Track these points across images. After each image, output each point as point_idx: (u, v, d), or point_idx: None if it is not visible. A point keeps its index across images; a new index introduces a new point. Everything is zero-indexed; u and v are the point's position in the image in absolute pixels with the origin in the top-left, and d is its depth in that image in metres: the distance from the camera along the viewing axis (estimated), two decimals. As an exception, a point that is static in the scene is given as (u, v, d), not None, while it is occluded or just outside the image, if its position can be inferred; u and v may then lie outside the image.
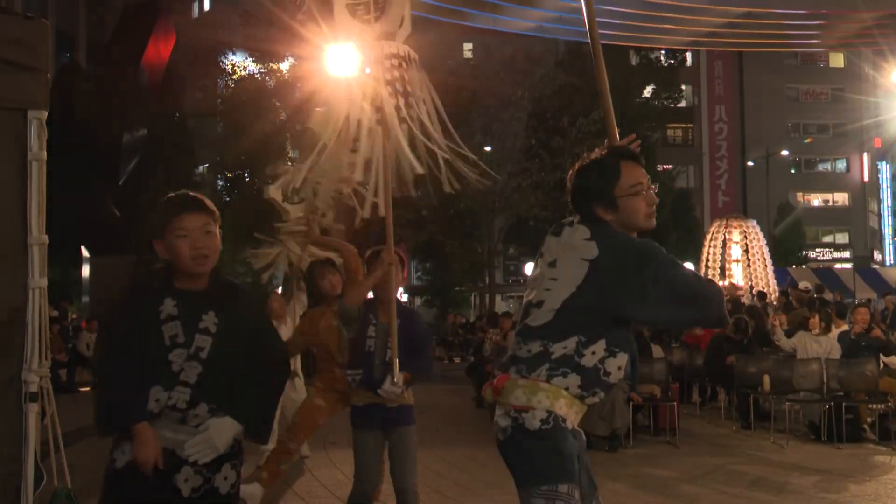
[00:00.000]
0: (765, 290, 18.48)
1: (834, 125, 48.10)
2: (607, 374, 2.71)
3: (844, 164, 49.90)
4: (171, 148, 23.12)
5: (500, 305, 35.04)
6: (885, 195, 48.88)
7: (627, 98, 30.08)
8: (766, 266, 19.95)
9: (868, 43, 29.40)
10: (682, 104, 44.64)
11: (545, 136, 27.26)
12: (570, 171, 2.92)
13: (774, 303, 16.66)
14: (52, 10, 26.06)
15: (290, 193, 5.28)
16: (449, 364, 21.71)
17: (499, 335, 12.64)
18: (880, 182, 49.24)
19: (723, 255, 20.38)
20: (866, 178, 48.99)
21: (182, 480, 2.80)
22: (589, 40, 3.44)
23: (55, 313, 16.28)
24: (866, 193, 49.18)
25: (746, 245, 20.24)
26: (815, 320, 10.19)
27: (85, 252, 21.24)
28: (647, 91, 36.06)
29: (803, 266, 35.89)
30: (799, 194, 48.29)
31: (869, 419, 9.40)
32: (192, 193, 2.98)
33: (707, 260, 20.52)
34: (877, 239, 49.29)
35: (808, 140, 47.61)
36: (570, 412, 2.69)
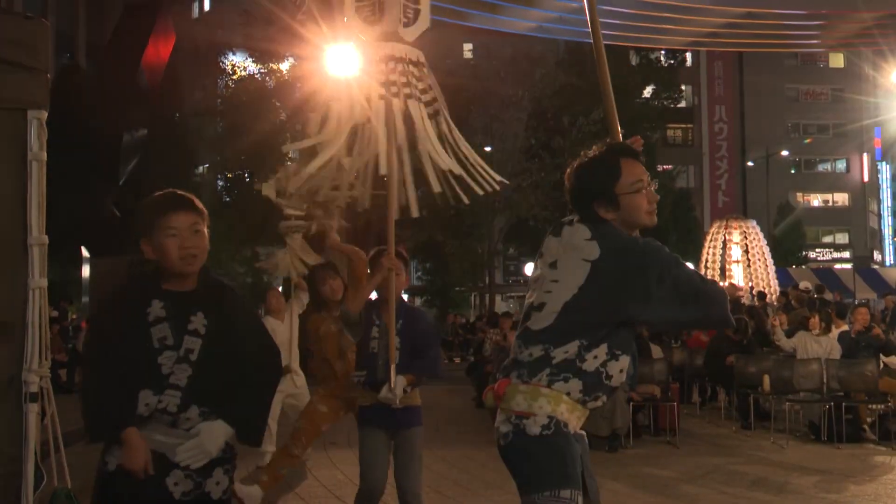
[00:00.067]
0: (765, 291, 18.47)
1: (834, 125, 48.10)
2: (609, 377, 2.68)
3: (844, 165, 49.91)
4: (171, 148, 23.11)
5: (500, 305, 35.06)
6: (885, 195, 48.91)
7: (627, 98, 30.07)
8: (766, 267, 19.94)
9: (868, 43, 29.38)
10: (682, 104, 44.65)
11: (545, 136, 27.27)
12: (569, 170, 2.87)
13: (775, 303, 16.65)
14: (52, 10, 26.04)
15: (285, 194, 5.29)
16: (449, 364, 21.70)
17: (499, 335, 12.64)
18: (880, 182, 49.27)
19: (723, 255, 20.38)
20: (866, 179, 49.01)
21: (172, 484, 2.75)
22: (591, 41, 3.40)
23: (55, 313, 16.29)
24: (866, 194, 49.19)
25: (747, 245, 20.24)
26: (815, 320, 10.20)
27: (85, 252, 21.24)
28: (647, 91, 36.06)
29: (803, 266, 35.90)
30: (799, 194, 48.30)
31: (869, 419, 9.40)
32: (179, 192, 2.91)
33: (706, 261, 20.52)
34: (877, 239, 49.31)
35: (807, 140, 47.62)
36: (571, 417, 2.66)
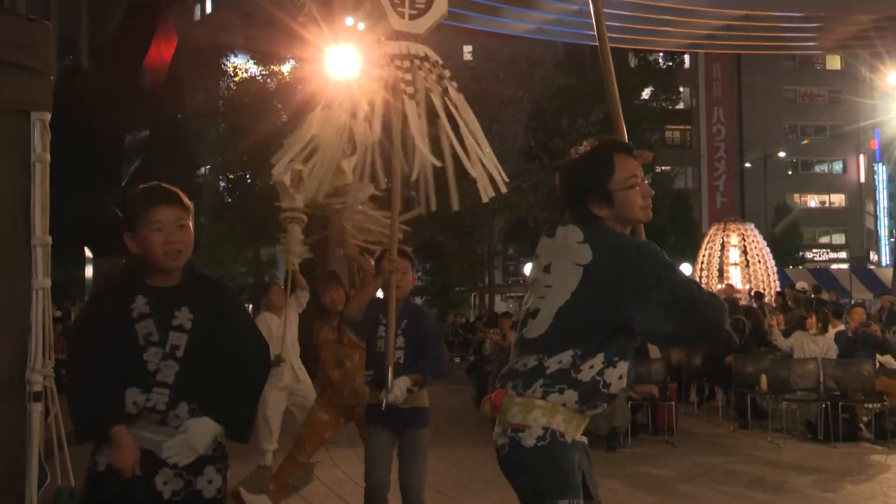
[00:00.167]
0: (765, 292, 18.47)
1: (831, 127, 48.13)
2: (607, 385, 2.60)
3: (841, 166, 49.94)
4: (173, 149, 23.10)
5: (500, 305, 35.09)
6: (882, 196, 48.99)
7: (626, 100, 30.00)
8: (767, 268, 19.93)
9: (865, 45, 29.39)
10: (681, 106, 44.63)
11: (544, 137, 27.29)
12: (561, 167, 2.78)
13: (774, 304, 16.66)
14: (55, 11, 26.05)
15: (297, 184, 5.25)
16: (449, 363, 21.70)
17: (498, 335, 12.65)
18: (876, 183, 49.32)
19: (721, 258, 20.40)
20: (863, 180, 49.04)
21: (161, 483, 2.69)
22: (598, 43, 3.33)
23: (58, 313, 16.28)
24: (863, 195, 49.21)
25: (745, 248, 20.25)
26: (812, 320, 10.20)
27: (88, 253, 21.25)
28: (646, 93, 36.05)
29: (800, 267, 35.94)
30: (796, 195, 48.35)
31: (865, 418, 9.40)
32: (165, 185, 2.83)
33: (703, 262, 20.53)
34: (873, 240, 49.36)
35: (805, 142, 47.64)
36: (569, 427, 2.60)
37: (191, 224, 2.80)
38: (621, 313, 2.57)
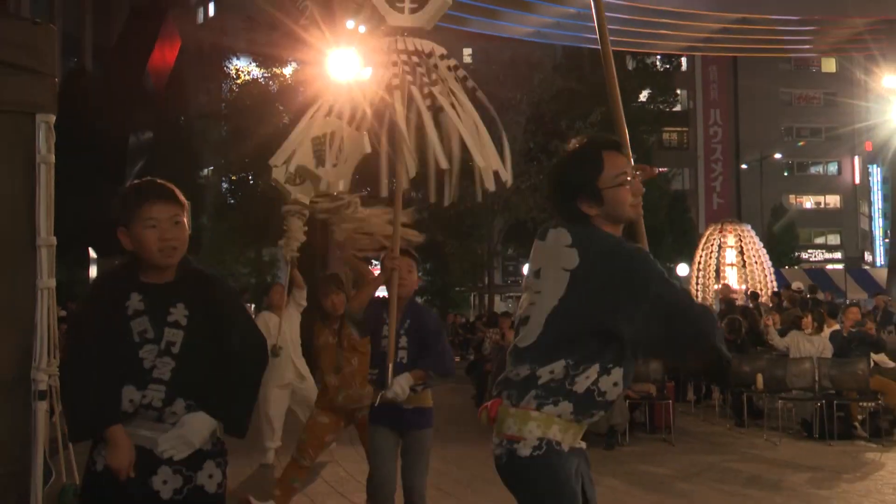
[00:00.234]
0: (761, 292, 18.47)
1: (826, 129, 48.15)
2: (602, 393, 2.51)
3: (836, 168, 49.96)
4: (176, 150, 23.12)
5: (500, 305, 35.11)
6: (876, 197, 48.98)
7: (624, 102, 29.87)
8: (764, 269, 19.93)
9: (860, 48, 29.39)
10: (678, 108, 44.67)
11: (543, 139, 27.28)
12: (550, 166, 2.70)
13: (770, 304, 16.67)
14: (59, 14, 26.06)
15: (293, 178, 5.23)
16: (452, 361, 21.70)
17: (497, 334, 12.65)
18: (871, 185, 49.33)
19: (717, 258, 20.40)
20: (858, 181, 49.06)
21: (160, 482, 2.64)
22: (599, 46, 3.25)
23: (63, 313, 16.28)
24: (857, 196, 49.24)
25: (741, 248, 20.25)
26: (807, 320, 10.21)
27: (92, 253, 21.28)
28: (644, 95, 36.10)
29: (796, 267, 35.95)
30: (792, 197, 48.36)
31: (860, 417, 9.40)
32: (160, 181, 2.76)
33: (700, 263, 20.53)
34: (867, 240, 49.37)
35: (801, 143, 47.66)
36: (565, 436, 2.52)
37: (186, 220, 2.74)
38: (609, 321, 2.47)
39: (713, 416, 10.90)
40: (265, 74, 27.16)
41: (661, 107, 37.58)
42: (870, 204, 49.56)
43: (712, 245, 20.54)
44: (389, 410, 4.33)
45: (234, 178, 28.74)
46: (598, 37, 3.21)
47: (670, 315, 2.46)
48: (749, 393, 9.84)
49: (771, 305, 16.06)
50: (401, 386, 4.24)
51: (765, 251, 20.50)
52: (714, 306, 18.39)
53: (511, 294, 40.24)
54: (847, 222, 48.91)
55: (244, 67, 27.89)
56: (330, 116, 4.58)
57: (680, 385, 11.70)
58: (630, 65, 36.33)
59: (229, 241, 28.64)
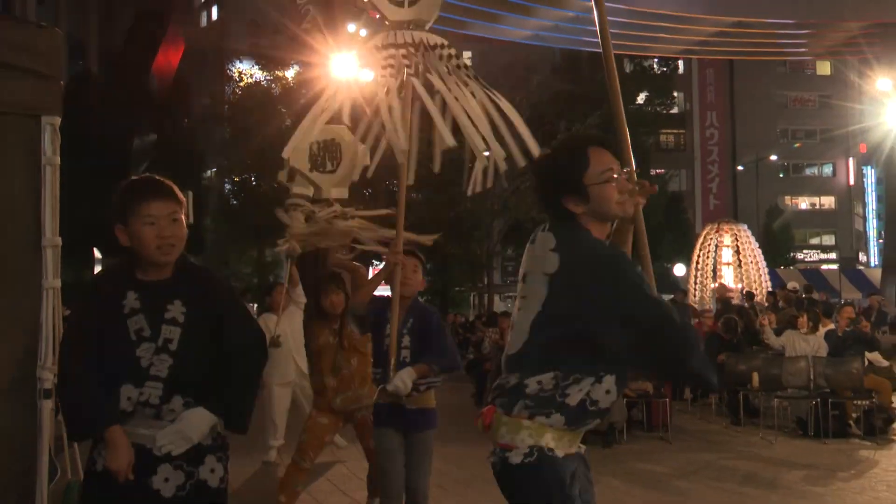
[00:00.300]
0: (756, 291, 18.49)
1: (821, 131, 48.15)
2: (595, 402, 2.43)
3: (831, 169, 49.95)
4: (179, 152, 23.12)
5: (499, 305, 35.05)
6: (870, 199, 49.02)
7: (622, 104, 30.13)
8: (759, 268, 19.96)
9: (854, 52, 29.39)
10: (675, 110, 44.68)
11: (542, 141, 27.22)
12: (535, 162, 2.61)
13: (766, 303, 16.67)
14: (64, 18, 26.07)
15: (293, 177, 5.20)
16: (455, 355, 21.64)
17: (497, 334, 12.65)
18: (865, 186, 49.35)
19: (714, 257, 20.43)
20: (852, 182, 49.06)
21: (162, 480, 2.59)
22: (601, 49, 3.14)
23: (67, 313, 16.30)
24: (852, 197, 49.24)
25: (738, 248, 20.27)
26: (803, 320, 10.21)
27: (97, 254, 21.26)
28: (641, 98, 36.10)
29: (791, 267, 35.97)
30: (787, 198, 48.35)
31: (854, 415, 9.40)
32: (158, 178, 2.71)
33: (698, 262, 20.55)
34: (862, 241, 49.40)
35: (796, 145, 47.65)
36: (560, 443, 2.45)
37: (183, 217, 2.69)
38: (586, 332, 2.38)
39: (710, 414, 10.89)
40: (267, 77, 27.21)
41: (658, 109, 37.59)
42: (864, 205, 49.59)
43: (709, 245, 20.56)
44: (393, 411, 4.31)
45: (236, 179, 28.78)
46: (599, 40, 3.11)
47: (643, 337, 2.35)
48: (745, 391, 9.84)
49: (767, 305, 16.06)
50: (402, 380, 4.19)
51: (759, 252, 20.52)
52: (711, 305, 18.41)
53: (510, 294, 40.18)
54: (841, 223, 48.91)
55: (247, 70, 27.93)
56: (331, 123, 4.57)
57: (677, 384, 11.68)
58: (628, 67, 36.35)
59: (232, 242, 28.66)
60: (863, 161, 48.76)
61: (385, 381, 4.28)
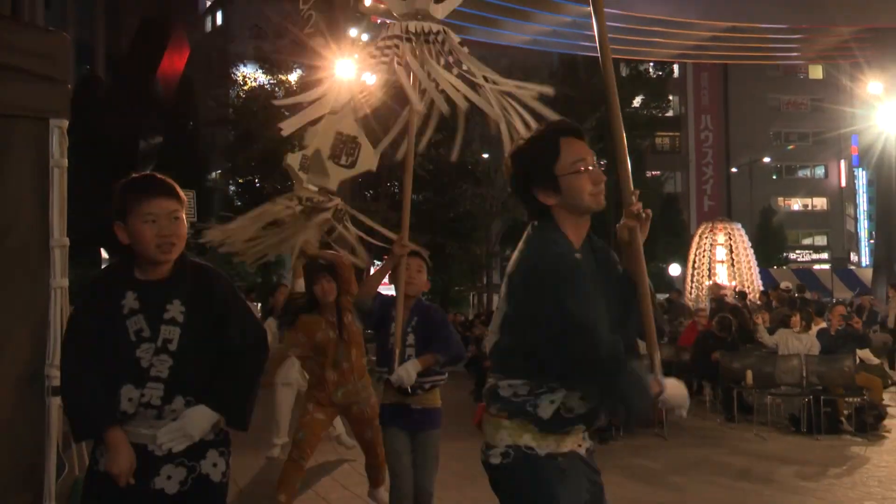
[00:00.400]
0: (747, 290, 18.51)
1: (813, 133, 48.18)
2: (570, 409, 2.33)
3: (823, 171, 49.98)
4: (184, 155, 23.12)
5: (498, 304, 35.11)
6: (862, 200, 48.98)
7: (618, 107, 30.13)
8: (751, 267, 19.99)
9: (846, 56, 29.38)
10: (670, 113, 44.63)
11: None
12: (509, 154, 2.46)
13: (759, 302, 16.67)
14: (72, 23, 26.07)
15: (304, 164, 5.17)
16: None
17: (496, 333, 12.63)
18: (857, 188, 49.32)
19: (709, 256, 20.45)
20: (844, 184, 49.06)
21: (165, 479, 2.56)
22: (599, 55, 2.98)
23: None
24: (844, 198, 49.25)
25: (731, 246, 20.30)
26: (796, 319, 10.21)
27: (105, 254, 21.25)
28: (637, 101, 36.09)
29: (784, 267, 35.97)
30: (780, 199, 48.36)
31: (846, 412, 9.39)
32: (159, 176, 2.64)
33: (694, 261, 20.58)
34: (853, 241, 49.38)
35: (789, 147, 47.67)
36: (541, 444, 2.34)
37: (184, 216, 2.62)
38: (531, 339, 2.28)
39: (704, 411, 10.88)
40: (271, 81, 27.20)
41: (653, 112, 37.56)
42: (855, 206, 49.56)
43: (705, 244, 20.59)
44: (399, 411, 4.29)
45: (241, 181, 28.77)
46: (597, 45, 3.07)
47: (566, 339, 2.23)
48: (739, 389, 9.84)
49: (760, 304, 16.06)
50: (406, 370, 4.13)
51: (752, 251, 20.55)
52: (706, 304, 18.41)
53: (509, 293, 40.27)
54: (834, 224, 48.94)
55: (251, 74, 27.93)
56: (357, 121, 4.57)
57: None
58: (624, 71, 36.32)
59: (234, 242, 28.57)
60: (854, 163, 48.77)
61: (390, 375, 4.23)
